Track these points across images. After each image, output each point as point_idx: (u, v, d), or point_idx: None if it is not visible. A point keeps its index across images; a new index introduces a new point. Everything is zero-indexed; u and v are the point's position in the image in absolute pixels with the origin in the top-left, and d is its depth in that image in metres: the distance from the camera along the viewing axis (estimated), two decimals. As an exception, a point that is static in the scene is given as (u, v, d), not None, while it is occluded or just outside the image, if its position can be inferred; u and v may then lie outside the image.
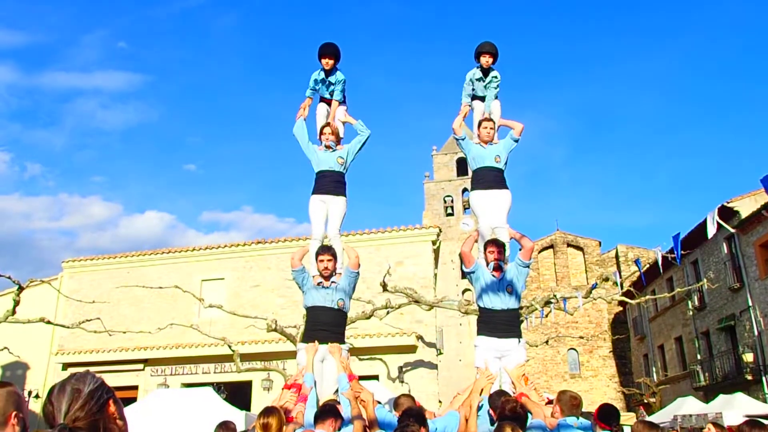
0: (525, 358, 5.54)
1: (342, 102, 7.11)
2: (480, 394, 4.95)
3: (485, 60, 6.79)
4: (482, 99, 6.94)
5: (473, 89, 6.91)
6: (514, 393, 5.00)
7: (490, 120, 6.60)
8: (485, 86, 6.88)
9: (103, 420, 1.70)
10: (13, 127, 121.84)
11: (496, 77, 6.86)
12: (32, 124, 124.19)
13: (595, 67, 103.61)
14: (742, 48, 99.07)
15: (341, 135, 6.92)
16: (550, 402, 4.92)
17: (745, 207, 22.66)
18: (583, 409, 4.69)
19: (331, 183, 6.56)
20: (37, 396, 21.24)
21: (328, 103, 7.14)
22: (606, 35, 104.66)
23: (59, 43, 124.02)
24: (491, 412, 4.49)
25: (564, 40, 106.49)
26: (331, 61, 6.94)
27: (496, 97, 6.91)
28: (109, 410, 1.74)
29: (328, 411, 4.62)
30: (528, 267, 5.75)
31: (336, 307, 5.90)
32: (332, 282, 5.96)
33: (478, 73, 6.84)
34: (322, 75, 6.98)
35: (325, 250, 6.04)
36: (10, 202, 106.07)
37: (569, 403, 4.34)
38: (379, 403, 4.99)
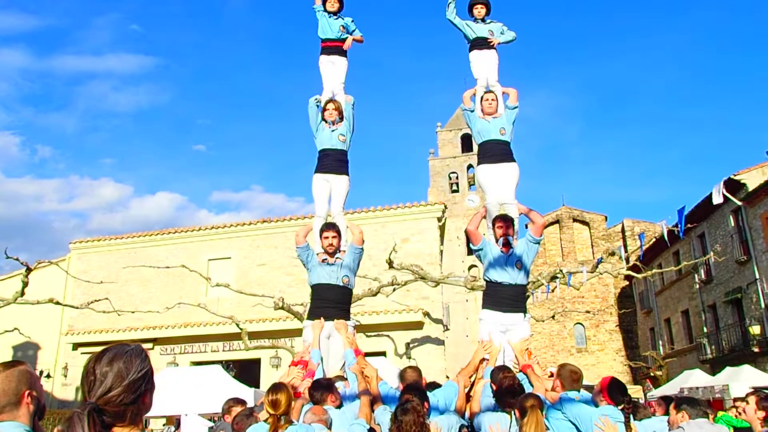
0: (529, 332, 5.54)
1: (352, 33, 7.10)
2: (480, 364, 4.99)
3: (478, 11, 6.87)
4: (481, 44, 6.81)
5: (473, 31, 6.84)
6: (516, 367, 5.02)
7: (491, 92, 6.51)
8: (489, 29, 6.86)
9: (132, 410, 1.72)
10: (26, 110, 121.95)
11: (502, 32, 6.85)
12: (44, 108, 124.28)
13: (608, 42, 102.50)
14: (751, 22, 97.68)
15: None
16: (552, 376, 4.93)
17: (752, 179, 22.49)
18: (587, 383, 4.69)
19: (333, 162, 6.50)
20: (48, 375, 21.51)
21: (329, 49, 6.97)
22: (619, 10, 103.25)
23: (71, 26, 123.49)
24: (492, 385, 4.53)
25: (577, 15, 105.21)
26: (337, 4, 6.96)
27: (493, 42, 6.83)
28: (143, 400, 1.76)
29: (324, 387, 4.62)
30: (538, 243, 5.70)
31: (341, 283, 5.89)
32: (337, 259, 5.95)
33: (473, 24, 6.87)
34: (327, 18, 6.97)
35: (330, 227, 6.04)
36: (22, 185, 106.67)
37: (569, 377, 4.35)
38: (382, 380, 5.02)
